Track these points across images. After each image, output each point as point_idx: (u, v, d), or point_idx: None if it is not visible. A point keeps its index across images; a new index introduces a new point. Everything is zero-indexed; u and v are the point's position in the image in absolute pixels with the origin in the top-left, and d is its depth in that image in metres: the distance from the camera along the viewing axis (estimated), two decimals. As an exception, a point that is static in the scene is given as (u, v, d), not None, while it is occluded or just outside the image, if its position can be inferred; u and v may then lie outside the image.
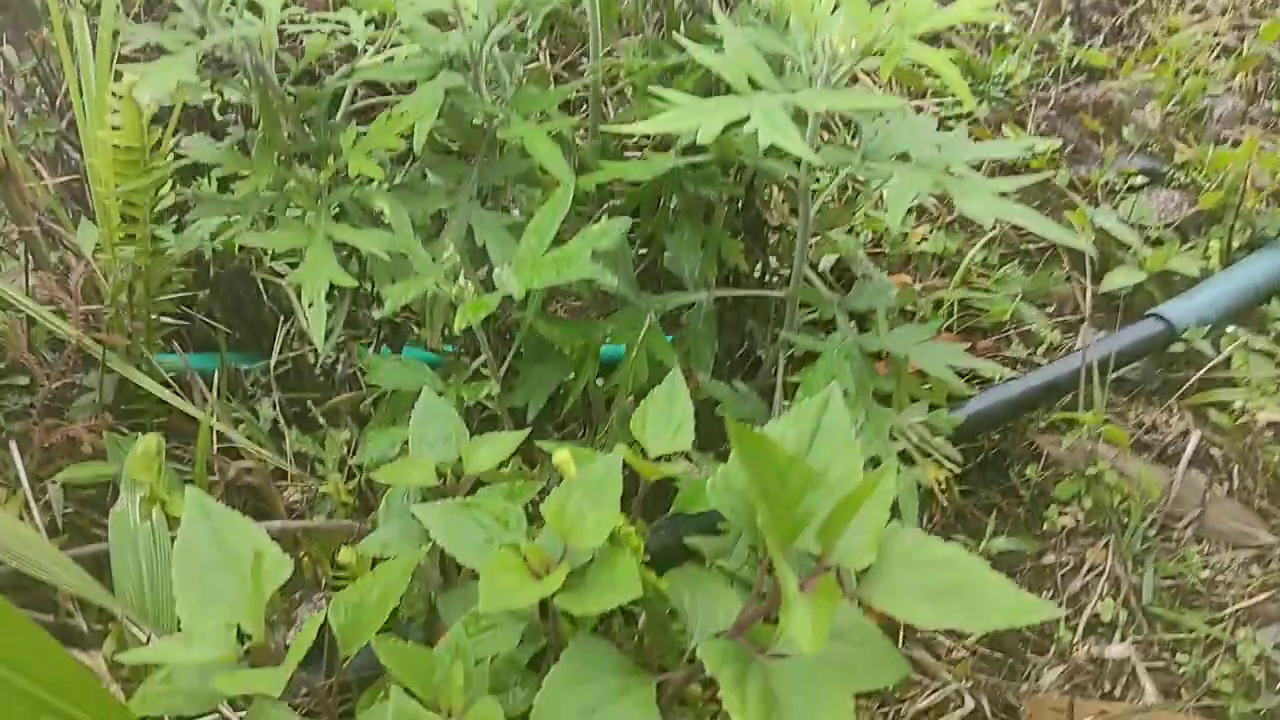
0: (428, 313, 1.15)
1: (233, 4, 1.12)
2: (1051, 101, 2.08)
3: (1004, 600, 0.71)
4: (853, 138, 1.82)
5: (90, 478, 1.16)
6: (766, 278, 1.41)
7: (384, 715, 0.78)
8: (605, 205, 1.29)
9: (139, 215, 1.25)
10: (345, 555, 1.01)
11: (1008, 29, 2.28)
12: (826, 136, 1.93)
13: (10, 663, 0.77)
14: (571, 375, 1.24)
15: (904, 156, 1.08)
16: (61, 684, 0.82)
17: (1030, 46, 2.25)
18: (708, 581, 0.97)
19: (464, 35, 1.12)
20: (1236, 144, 1.95)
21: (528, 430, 0.99)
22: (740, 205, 1.40)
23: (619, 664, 0.83)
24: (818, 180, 1.14)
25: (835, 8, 0.96)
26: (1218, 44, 2.29)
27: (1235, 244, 1.71)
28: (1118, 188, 1.90)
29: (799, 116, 0.94)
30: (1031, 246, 1.87)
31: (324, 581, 1.23)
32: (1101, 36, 2.36)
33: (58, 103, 1.85)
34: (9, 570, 1.06)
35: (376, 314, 1.04)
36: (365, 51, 1.24)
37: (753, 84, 0.96)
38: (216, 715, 1.08)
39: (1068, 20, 2.35)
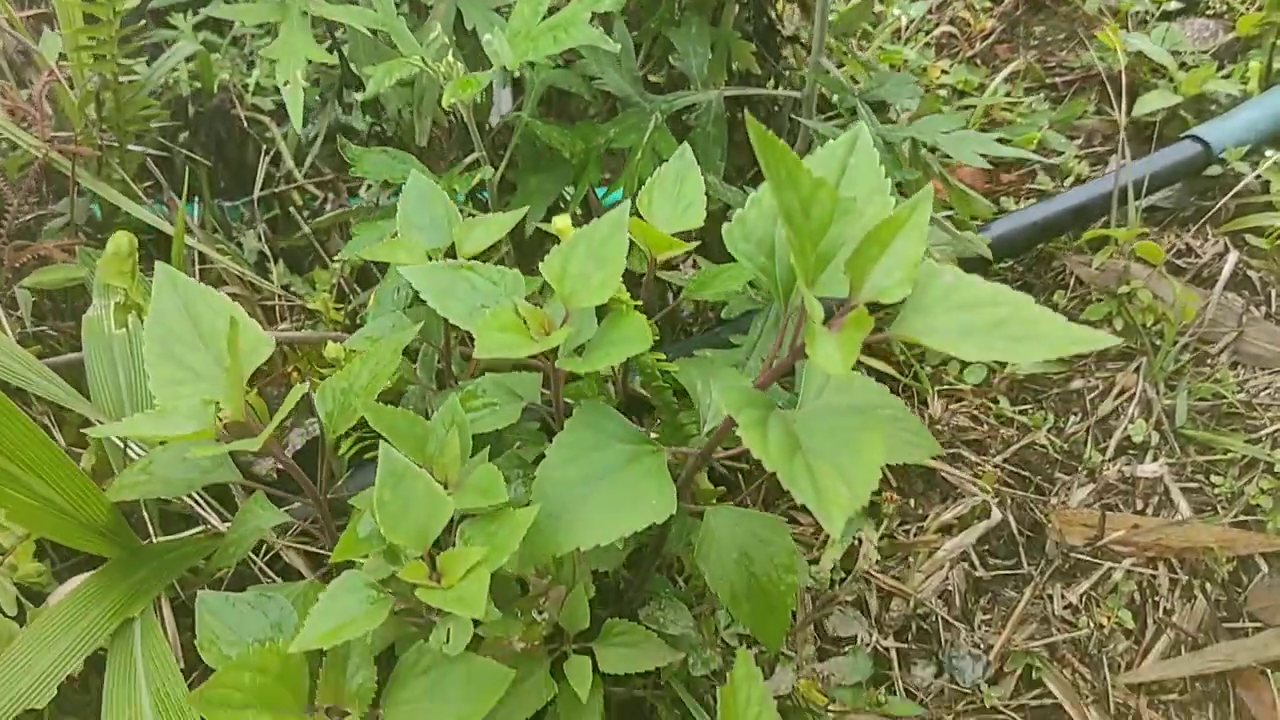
0: (415, 107, 1.07)
1: None
2: (1079, -71, 1.96)
3: (1053, 331, 0.63)
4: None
5: (60, 282, 1.09)
6: (780, 86, 1.32)
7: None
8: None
9: (101, 15, 1.15)
10: (331, 350, 0.94)
11: None
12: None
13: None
14: (571, 185, 1.16)
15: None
16: (34, 461, 0.76)
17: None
18: (721, 369, 0.91)
19: None
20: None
21: (525, 209, 0.91)
22: (751, 12, 1.31)
23: (629, 432, 0.76)
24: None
25: None
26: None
27: (1276, 65, 1.61)
28: (1149, 16, 1.79)
29: None
30: (1058, 80, 1.77)
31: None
32: None
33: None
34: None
35: (361, 96, 0.95)
36: None
37: None
38: (208, 529, 1.04)
39: None
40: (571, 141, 1.13)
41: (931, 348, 0.64)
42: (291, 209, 1.49)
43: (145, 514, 0.99)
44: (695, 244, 0.89)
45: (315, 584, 0.88)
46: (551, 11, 0.97)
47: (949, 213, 1.08)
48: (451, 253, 0.93)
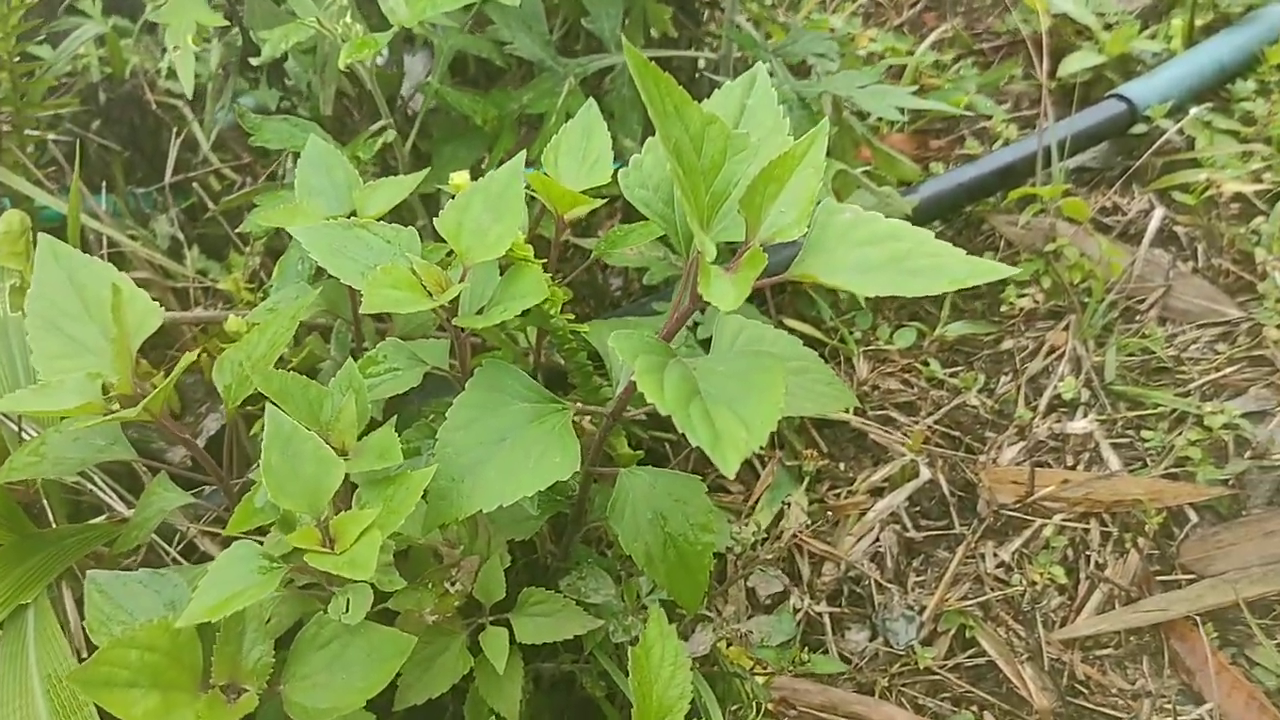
0: (319, 74, 1.03)
1: None
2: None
3: (955, 263, 0.62)
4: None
5: (-50, 266, 1.05)
6: (698, 51, 1.30)
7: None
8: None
9: (-6, -9, 1.11)
10: (232, 324, 0.91)
11: None
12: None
13: None
14: (487, 153, 1.14)
15: None
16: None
17: None
18: (633, 328, 0.88)
19: None
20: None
21: (426, 171, 0.89)
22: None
23: (532, 390, 0.74)
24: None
25: None
26: None
27: (1198, 23, 1.62)
28: (1075, -19, 1.79)
29: None
30: (985, 45, 1.77)
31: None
32: None
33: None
34: None
35: (256, 60, 0.92)
36: None
37: None
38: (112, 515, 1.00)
39: None
40: (484, 109, 1.11)
41: (831, 285, 0.63)
42: (199, 189, 1.45)
43: (46, 503, 0.96)
44: (603, 202, 0.87)
45: (219, 564, 0.84)
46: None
47: (867, 169, 1.07)
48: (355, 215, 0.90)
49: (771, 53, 1.07)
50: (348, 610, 0.67)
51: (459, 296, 0.74)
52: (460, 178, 0.80)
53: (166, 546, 1.03)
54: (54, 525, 0.95)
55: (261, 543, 0.70)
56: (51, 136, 1.33)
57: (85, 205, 1.28)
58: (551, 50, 1.12)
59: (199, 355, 1.11)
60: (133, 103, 1.57)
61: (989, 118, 1.61)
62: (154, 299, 1.22)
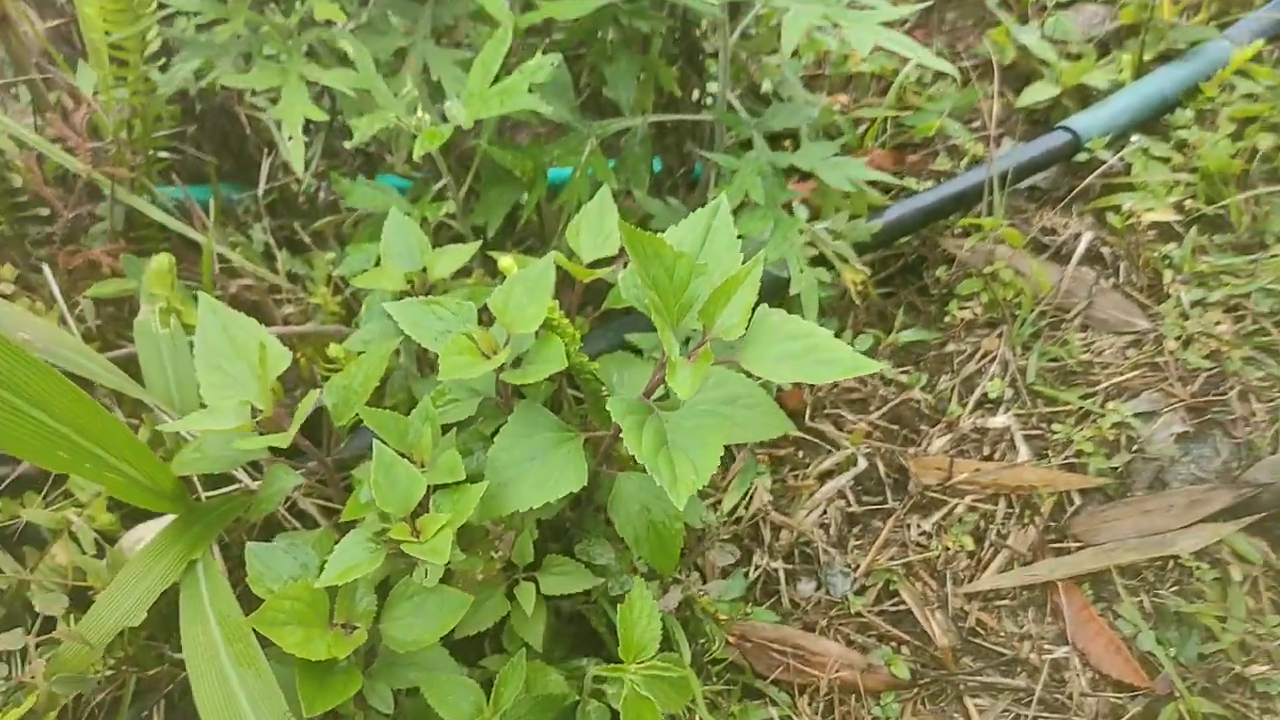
0: (393, 142, 1.31)
1: None
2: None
3: (845, 358, 0.90)
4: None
5: (114, 292, 1.35)
6: (703, 101, 1.56)
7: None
8: (548, 39, 1.43)
9: (130, 59, 1.39)
10: (334, 350, 1.21)
11: None
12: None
13: (80, 431, 0.98)
14: (525, 195, 1.42)
15: (807, -11, 1.21)
16: (118, 447, 1.04)
17: None
18: (634, 363, 1.18)
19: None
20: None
21: (480, 242, 1.17)
22: (677, 35, 1.54)
23: (556, 424, 1.04)
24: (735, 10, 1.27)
25: None
26: None
27: (1148, 57, 1.84)
28: (1047, 3, 2.01)
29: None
30: (965, 64, 1.99)
31: (318, 378, 1.44)
32: None
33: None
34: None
35: (349, 144, 1.20)
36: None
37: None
38: (242, 486, 1.32)
39: None
40: (522, 161, 1.38)
41: (757, 374, 0.91)
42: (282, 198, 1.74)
43: (194, 477, 1.28)
44: (609, 269, 1.15)
45: (328, 531, 1.16)
46: (506, 72, 1.21)
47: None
48: (424, 273, 1.19)
49: (754, 127, 1.33)
50: (426, 577, 0.99)
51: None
52: (506, 261, 1.09)
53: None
54: (200, 493, 1.27)
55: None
56: (168, 156, 1.61)
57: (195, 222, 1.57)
58: (577, 114, 1.39)
59: (298, 358, 1.41)
60: (224, 113, 1.84)
61: (958, 139, 1.85)
62: (255, 301, 1.52)
